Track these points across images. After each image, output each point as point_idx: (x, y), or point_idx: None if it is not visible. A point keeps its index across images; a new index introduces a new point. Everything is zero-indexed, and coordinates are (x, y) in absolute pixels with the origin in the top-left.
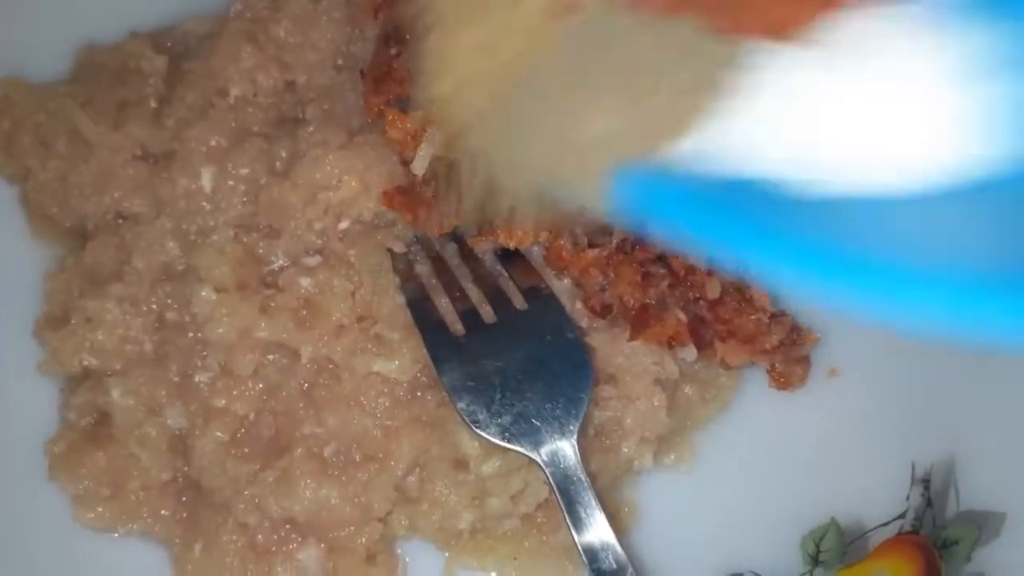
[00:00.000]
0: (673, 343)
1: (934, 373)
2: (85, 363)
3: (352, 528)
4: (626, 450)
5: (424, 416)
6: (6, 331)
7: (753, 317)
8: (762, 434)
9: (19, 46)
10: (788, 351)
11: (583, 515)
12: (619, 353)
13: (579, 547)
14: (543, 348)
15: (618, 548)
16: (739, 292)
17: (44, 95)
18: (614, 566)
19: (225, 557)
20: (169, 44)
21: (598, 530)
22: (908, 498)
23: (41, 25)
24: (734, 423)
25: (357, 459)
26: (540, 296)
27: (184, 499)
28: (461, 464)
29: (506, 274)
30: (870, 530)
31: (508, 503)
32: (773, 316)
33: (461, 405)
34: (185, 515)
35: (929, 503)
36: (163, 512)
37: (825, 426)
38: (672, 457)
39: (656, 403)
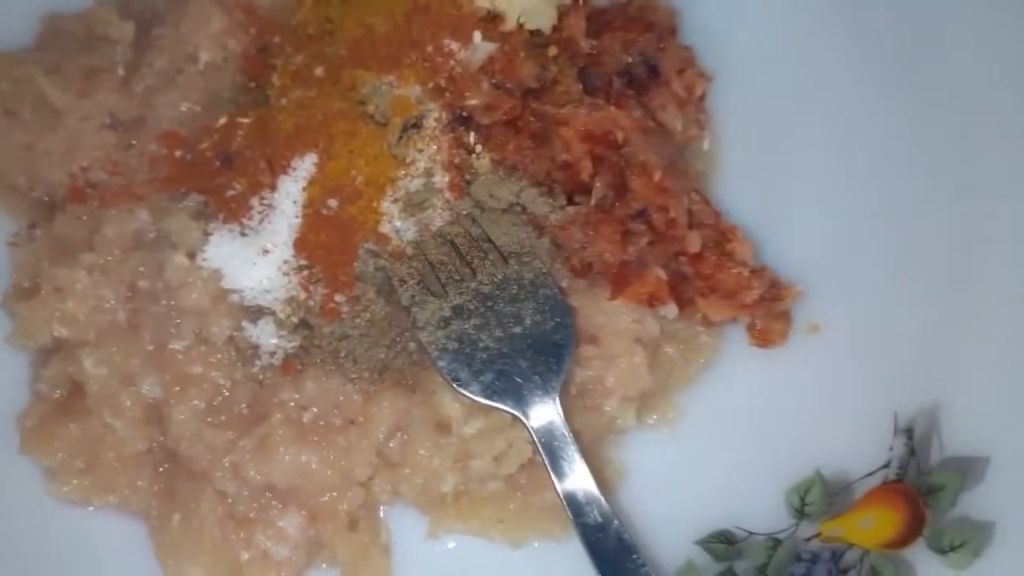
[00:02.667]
0: (654, 301)
1: (914, 323)
2: (56, 334)
3: (334, 494)
4: (608, 409)
5: (405, 379)
6: None
7: (734, 271)
8: (744, 391)
9: None
10: (770, 306)
11: (567, 471)
12: (600, 312)
13: (564, 502)
14: (524, 307)
15: (603, 502)
16: (719, 247)
17: (8, 63)
18: (599, 519)
19: (204, 527)
20: (136, 10)
21: (582, 485)
22: (891, 448)
23: None
24: (716, 381)
25: (337, 424)
26: (522, 257)
27: (161, 470)
28: (443, 427)
29: (488, 237)
30: (855, 481)
31: (491, 464)
32: (753, 270)
33: (442, 364)
34: (162, 486)
35: (912, 451)
36: (139, 483)
37: (807, 380)
38: (655, 416)
39: (637, 361)
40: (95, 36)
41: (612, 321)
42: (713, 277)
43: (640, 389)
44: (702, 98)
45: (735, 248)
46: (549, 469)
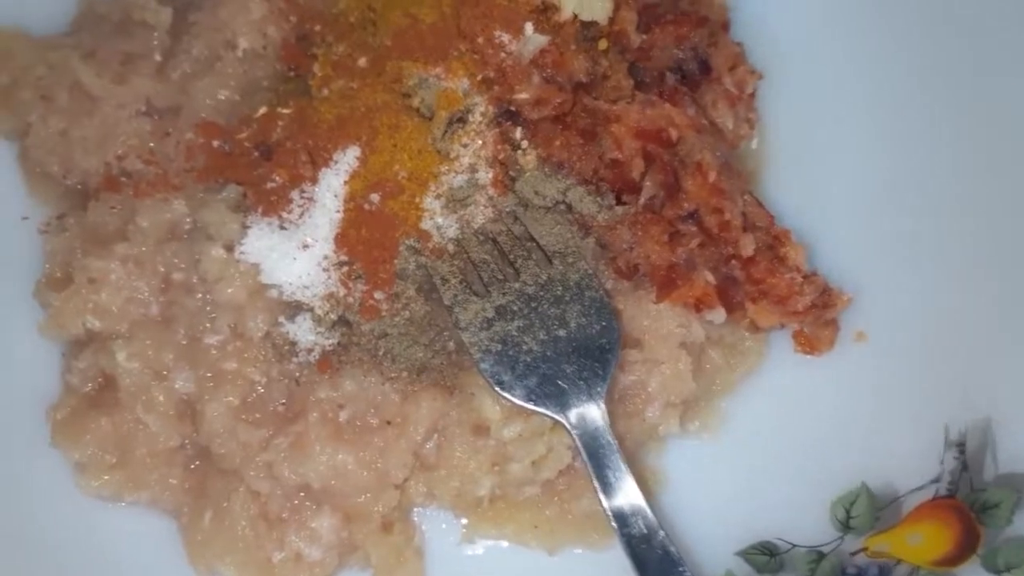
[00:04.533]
0: (701, 306)
1: (965, 333)
2: (88, 326)
3: (368, 495)
4: (651, 415)
5: (444, 380)
6: (5, 293)
7: (787, 277)
8: (789, 399)
9: None
10: (819, 313)
11: (612, 479)
12: (644, 315)
13: (608, 512)
14: (569, 309)
15: (648, 512)
16: (771, 251)
17: (44, 47)
18: (644, 531)
19: (236, 526)
20: None
21: (628, 494)
22: (942, 461)
23: None
24: (761, 388)
25: (374, 424)
26: (567, 257)
27: (193, 467)
28: (481, 429)
29: (531, 235)
30: (903, 495)
31: (529, 469)
32: (805, 276)
33: (485, 366)
34: (194, 483)
35: (965, 466)
36: (171, 480)
37: (853, 389)
38: (697, 423)
39: (682, 367)
40: (132, 21)
41: (657, 325)
42: (764, 282)
43: (684, 396)
44: (752, 96)
45: (788, 253)
46: (593, 477)
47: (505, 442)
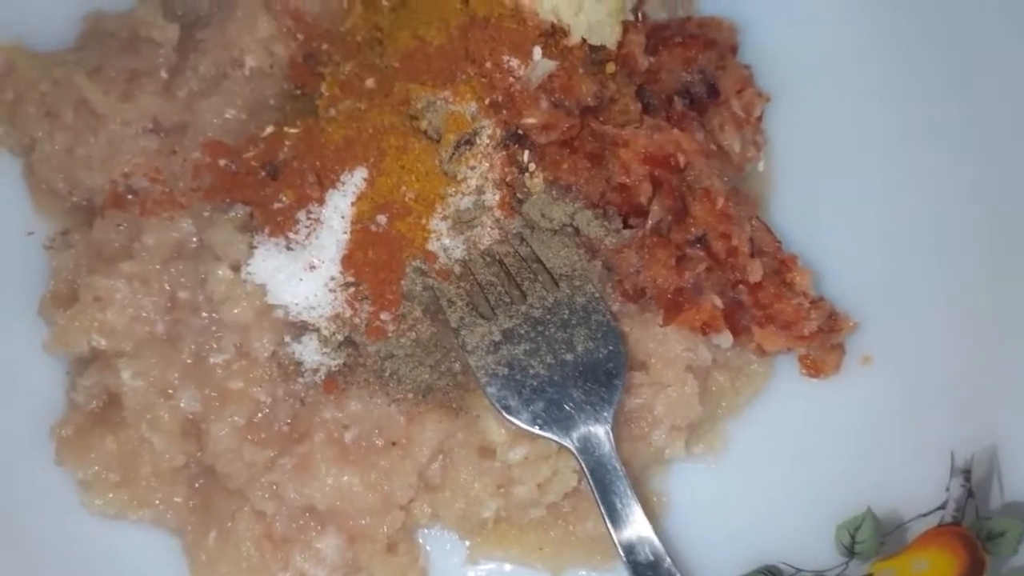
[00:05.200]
0: (707, 329)
1: (973, 360)
2: (94, 343)
3: (373, 516)
4: (656, 439)
5: (449, 401)
6: (9, 309)
7: (794, 302)
8: (794, 423)
9: (23, 12)
10: (826, 337)
11: (618, 505)
12: (651, 339)
13: (614, 539)
14: (576, 332)
15: (655, 540)
16: (778, 275)
17: (50, 63)
18: (651, 558)
19: (241, 546)
20: (180, 12)
21: (634, 522)
22: (948, 488)
23: None
24: (765, 411)
25: (379, 445)
26: (574, 280)
27: (197, 485)
28: (487, 451)
29: (538, 257)
30: (908, 521)
31: (535, 491)
32: (812, 301)
33: (492, 391)
34: (199, 502)
35: (971, 493)
36: (176, 499)
37: (859, 414)
38: (702, 446)
39: (688, 390)
40: (138, 38)
41: (663, 348)
42: (772, 307)
43: (690, 419)
44: (760, 119)
45: (795, 278)
46: (599, 504)
47: (510, 465)
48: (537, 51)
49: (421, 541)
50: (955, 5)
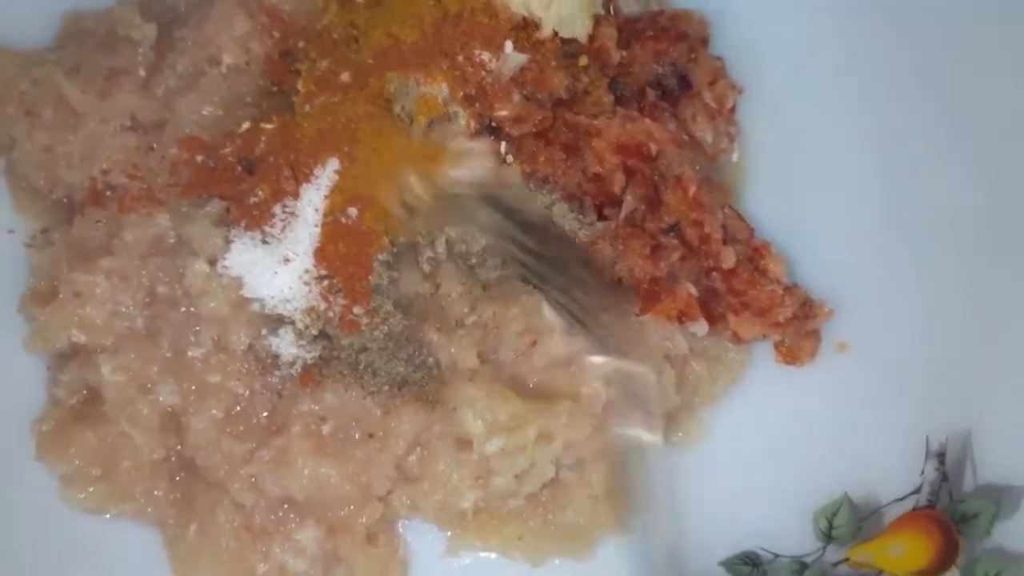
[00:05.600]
0: (684, 318)
1: (946, 345)
2: (74, 339)
3: (352, 507)
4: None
5: (425, 394)
6: None
7: (768, 288)
8: (771, 409)
9: (1, 12)
10: (800, 324)
11: None
12: (628, 329)
13: None
14: None
15: None
16: (751, 263)
17: (28, 62)
18: None
19: (221, 538)
20: (158, 10)
21: None
22: (923, 472)
23: None
24: (743, 399)
25: (356, 437)
26: None
27: (178, 479)
28: (464, 443)
29: None
30: (884, 505)
31: (513, 482)
32: (787, 288)
33: None
34: (179, 495)
35: (945, 477)
36: (156, 492)
37: (835, 400)
38: (680, 434)
39: (665, 380)
40: (116, 36)
41: (640, 338)
42: (746, 294)
43: (668, 408)
44: (732, 110)
45: (768, 265)
46: None
47: (488, 456)
48: (508, 45)
49: (401, 532)
50: None
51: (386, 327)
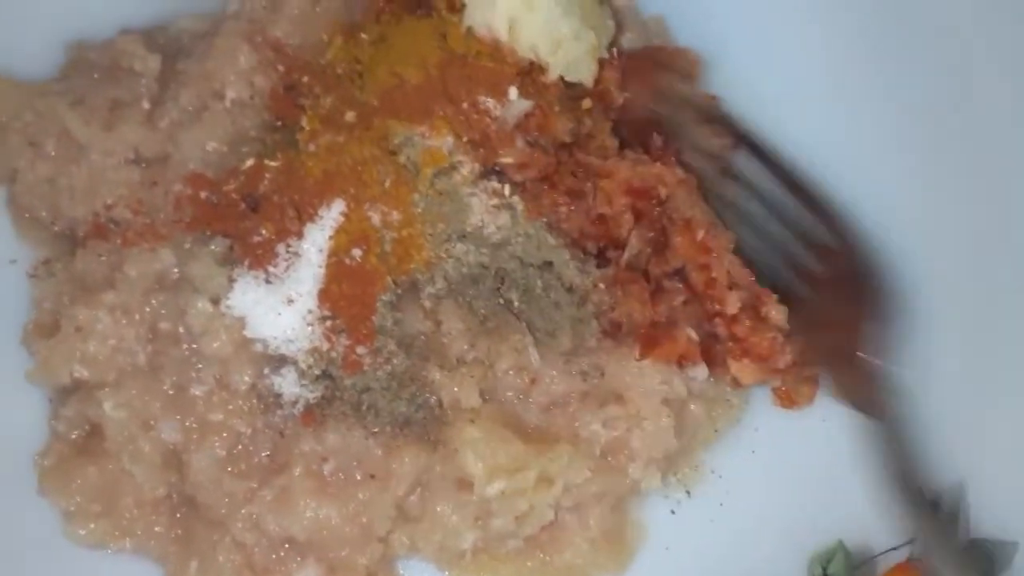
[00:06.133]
0: (683, 361)
1: (940, 397)
2: (76, 374)
3: (352, 548)
4: (633, 471)
5: (427, 434)
6: None
7: (769, 336)
8: (768, 454)
9: (5, 42)
10: (800, 370)
11: None
12: (627, 373)
13: None
14: None
15: None
16: (753, 309)
17: (32, 93)
18: None
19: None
20: (162, 42)
21: None
22: (918, 524)
23: (29, 21)
24: (740, 442)
25: (357, 477)
26: None
27: (179, 515)
28: (464, 484)
29: None
30: (878, 554)
31: (512, 524)
32: (787, 335)
33: None
34: (180, 532)
35: (938, 529)
36: (157, 529)
37: (832, 447)
38: (678, 477)
39: (664, 424)
40: (120, 68)
41: (640, 381)
42: (747, 340)
43: (666, 452)
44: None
45: (769, 312)
46: None
47: (488, 498)
48: (513, 91)
49: (400, 571)
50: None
51: (389, 367)
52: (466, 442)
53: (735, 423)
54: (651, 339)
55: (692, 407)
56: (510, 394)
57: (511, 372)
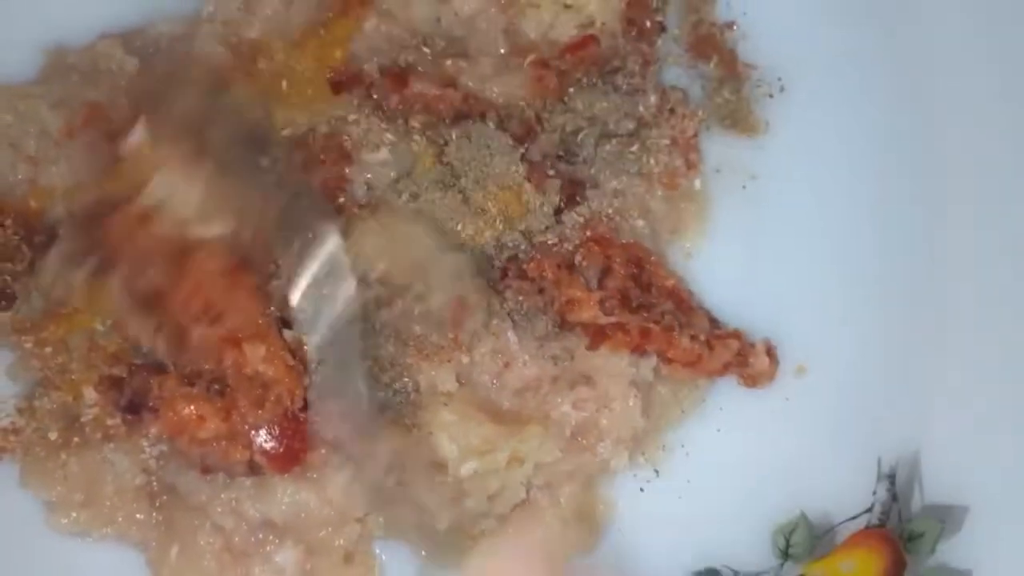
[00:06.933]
0: (637, 351)
1: (895, 369)
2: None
3: (330, 529)
4: (602, 451)
5: (403, 419)
6: None
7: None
8: (732, 431)
9: None
10: (741, 368)
11: None
12: (595, 354)
13: None
14: None
15: None
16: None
17: (13, 96)
18: None
19: (202, 560)
20: (139, 45)
21: None
22: (875, 492)
23: (9, 25)
24: (706, 421)
25: (336, 461)
26: None
27: (158, 503)
28: (439, 466)
29: None
30: (838, 524)
31: (485, 503)
32: (715, 337)
33: None
34: (161, 518)
35: (895, 497)
36: (138, 516)
37: (794, 422)
38: (644, 455)
39: (632, 405)
40: (99, 71)
41: (607, 364)
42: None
43: (633, 432)
44: (695, 137)
45: (694, 317)
46: None
47: (461, 479)
48: None
49: (377, 551)
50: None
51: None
52: (440, 425)
53: (700, 403)
54: (599, 334)
55: (660, 389)
56: (484, 378)
57: (487, 356)
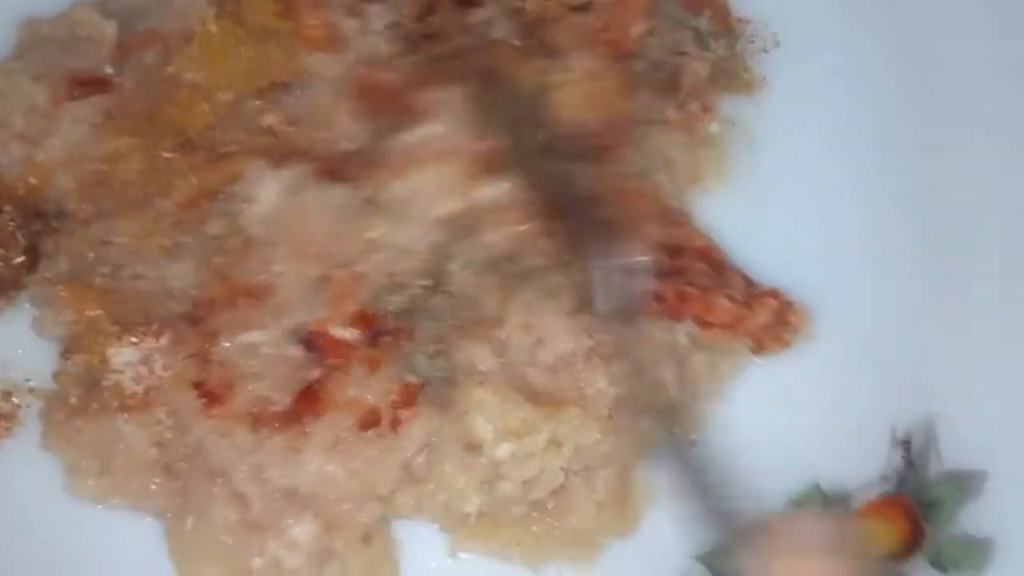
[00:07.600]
0: (673, 316)
1: (909, 334)
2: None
3: (351, 505)
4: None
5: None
6: None
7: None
8: (743, 400)
9: None
10: (781, 327)
11: None
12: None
13: None
14: None
15: None
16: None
17: None
18: None
19: (218, 532)
20: (116, 8)
21: None
22: (889, 460)
23: None
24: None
25: (368, 434)
26: None
27: (175, 471)
28: (473, 446)
29: None
30: (852, 493)
31: (519, 488)
32: (757, 295)
33: None
34: (179, 487)
35: (911, 464)
36: (152, 486)
37: (805, 390)
38: (677, 429)
39: (668, 376)
40: (78, 38)
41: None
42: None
43: (668, 403)
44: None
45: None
46: None
47: (497, 462)
48: None
49: (399, 532)
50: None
51: None
52: (475, 404)
53: (738, 373)
54: None
55: (695, 357)
56: (518, 356)
57: (519, 330)
